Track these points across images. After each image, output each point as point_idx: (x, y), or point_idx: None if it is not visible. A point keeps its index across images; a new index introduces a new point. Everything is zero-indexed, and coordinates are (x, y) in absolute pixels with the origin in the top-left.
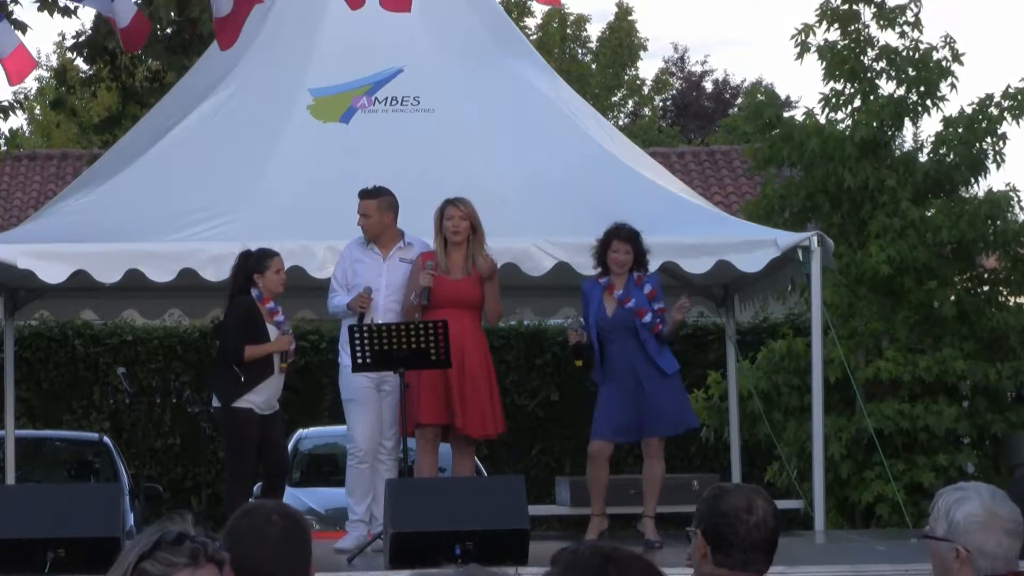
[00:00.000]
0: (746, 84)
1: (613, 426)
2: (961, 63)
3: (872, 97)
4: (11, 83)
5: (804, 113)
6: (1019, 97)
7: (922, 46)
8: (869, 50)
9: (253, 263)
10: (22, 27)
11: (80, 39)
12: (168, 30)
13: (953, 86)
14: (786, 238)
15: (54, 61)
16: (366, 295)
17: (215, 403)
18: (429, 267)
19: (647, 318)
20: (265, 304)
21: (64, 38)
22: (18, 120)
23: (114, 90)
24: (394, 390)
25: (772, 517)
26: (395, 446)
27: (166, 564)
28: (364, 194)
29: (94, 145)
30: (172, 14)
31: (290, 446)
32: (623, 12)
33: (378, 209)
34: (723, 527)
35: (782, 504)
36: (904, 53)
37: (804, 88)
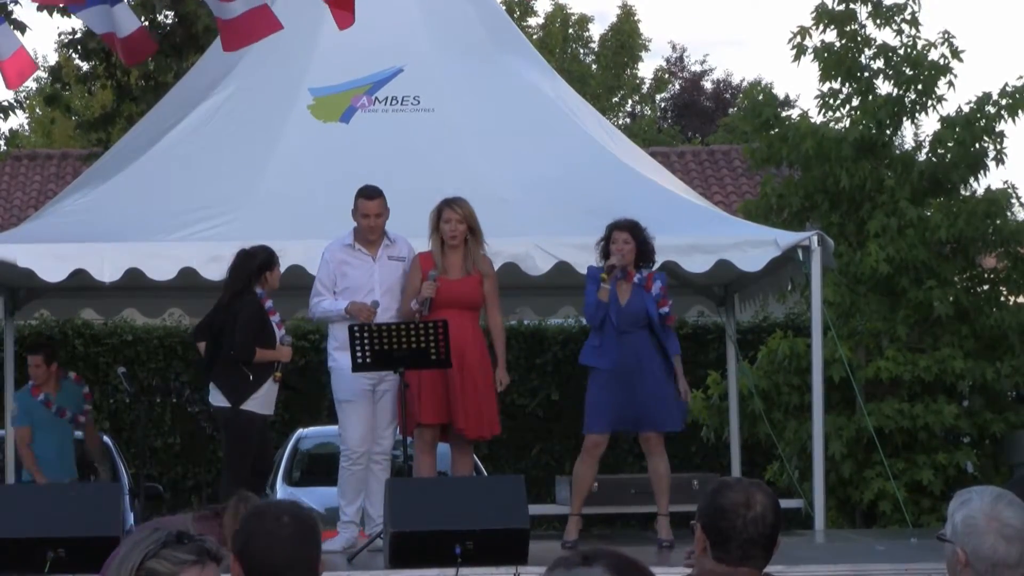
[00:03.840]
0: (745, 84)
1: (610, 417)
2: (960, 60)
3: (870, 97)
4: (10, 86)
5: (799, 115)
6: (1016, 96)
7: (920, 44)
8: (866, 49)
9: (264, 260)
10: (21, 27)
11: (76, 35)
12: (161, 31)
13: (951, 84)
14: (786, 238)
15: (54, 60)
16: (372, 309)
17: (219, 402)
18: (433, 276)
19: (665, 309)
20: (265, 302)
21: (62, 35)
22: (18, 119)
23: (109, 88)
24: (390, 391)
25: (771, 512)
26: (391, 447)
27: (175, 562)
28: (372, 193)
29: (88, 143)
30: (164, 13)
31: (290, 446)
32: (626, 13)
33: (385, 207)
34: (721, 522)
35: (782, 504)
36: (902, 51)
37: (803, 88)
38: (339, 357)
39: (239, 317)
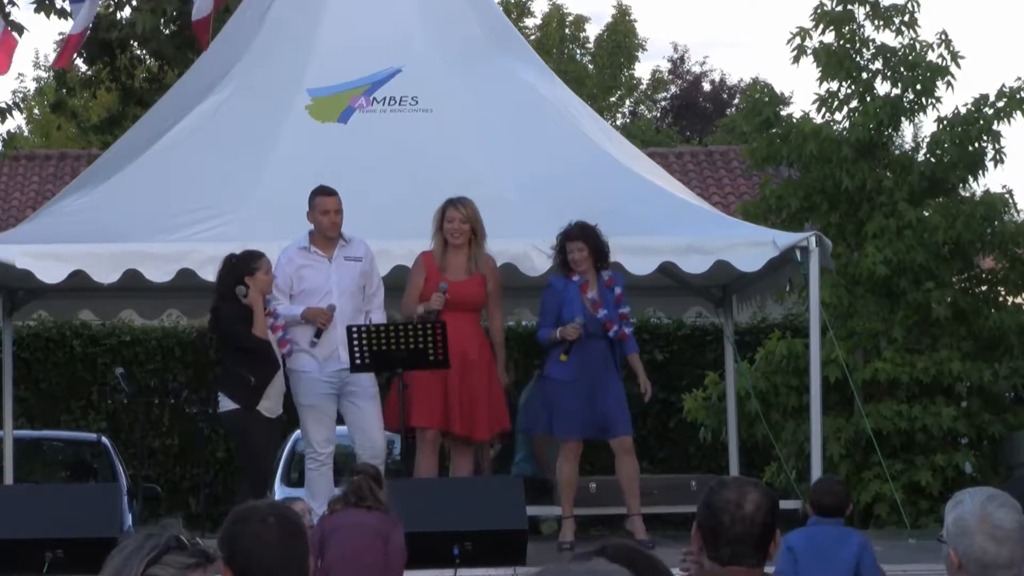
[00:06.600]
0: (743, 84)
1: (580, 423)
2: (959, 65)
3: (868, 99)
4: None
5: (801, 117)
6: (1015, 96)
7: (919, 45)
8: (865, 50)
9: (242, 266)
10: (19, 29)
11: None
12: (170, 28)
13: (950, 85)
14: (784, 238)
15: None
16: (329, 313)
17: (226, 407)
18: (443, 288)
19: (613, 330)
20: None
21: (63, 37)
22: (17, 120)
23: (114, 91)
24: (358, 391)
25: (763, 512)
26: (383, 448)
27: (179, 567)
28: (331, 191)
29: (93, 146)
30: (172, 12)
31: (288, 446)
32: (621, 13)
33: (341, 206)
34: (712, 520)
35: (781, 504)
36: (900, 52)
37: (801, 87)
38: (295, 359)
39: (220, 315)
